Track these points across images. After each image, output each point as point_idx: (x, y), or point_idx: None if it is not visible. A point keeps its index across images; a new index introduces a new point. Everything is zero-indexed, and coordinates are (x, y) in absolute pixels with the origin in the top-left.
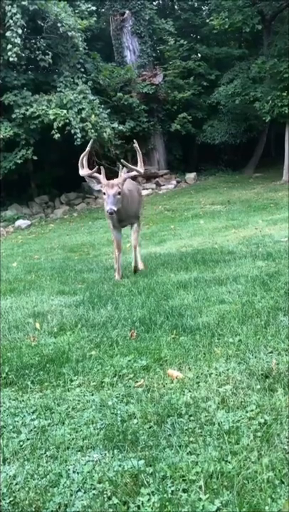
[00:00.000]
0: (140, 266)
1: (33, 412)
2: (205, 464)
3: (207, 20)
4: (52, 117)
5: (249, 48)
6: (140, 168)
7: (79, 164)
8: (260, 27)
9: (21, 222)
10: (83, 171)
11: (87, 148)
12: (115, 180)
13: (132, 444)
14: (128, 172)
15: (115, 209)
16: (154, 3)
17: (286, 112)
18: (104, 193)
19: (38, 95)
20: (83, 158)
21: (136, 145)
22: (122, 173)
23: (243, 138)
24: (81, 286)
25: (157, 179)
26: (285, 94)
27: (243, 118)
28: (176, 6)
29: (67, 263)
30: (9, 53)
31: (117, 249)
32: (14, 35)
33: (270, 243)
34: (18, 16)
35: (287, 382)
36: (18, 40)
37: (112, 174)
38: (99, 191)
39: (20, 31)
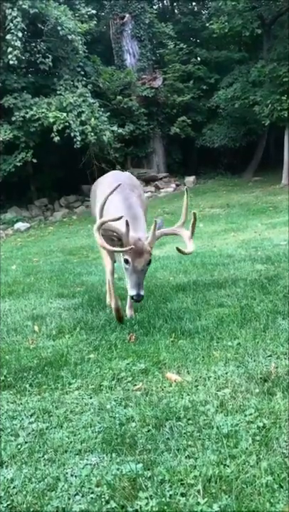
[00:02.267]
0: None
1: (31, 415)
2: (203, 468)
3: (207, 24)
4: (52, 120)
5: (249, 52)
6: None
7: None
8: (259, 31)
9: (20, 225)
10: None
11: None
12: (145, 240)
13: (130, 448)
14: (160, 228)
15: (143, 294)
16: (154, 7)
17: (285, 115)
18: (126, 260)
19: (38, 98)
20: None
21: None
22: (154, 228)
23: (242, 141)
24: (80, 289)
25: (156, 182)
26: (284, 98)
27: (242, 122)
28: (176, 10)
29: (67, 266)
30: (9, 56)
31: (110, 274)
32: (14, 38)
33: (269, 247)
34: (19, 19)
35: (286, 385)
36: (18, 43)
37: None
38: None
39: (20, 34)
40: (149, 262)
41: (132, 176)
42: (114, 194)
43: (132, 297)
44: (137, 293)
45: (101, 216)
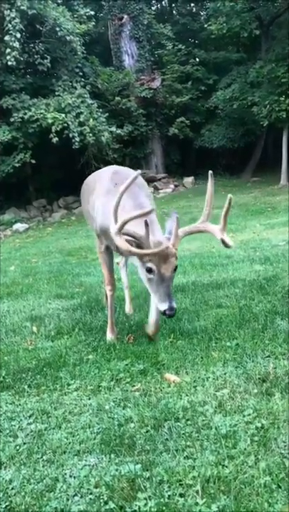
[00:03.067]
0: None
1: (29, 416)
2: (202, 469)
3: (205, 25)
4: (50, 121)
5: (247, 53)
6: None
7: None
8: (258, 32)
9: (19, 226)
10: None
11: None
12: (168, 241)
13: (128, 449)
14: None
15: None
16: (152, 8)
17: (284, 116)
18: (149, 269)
19: (37, 99)
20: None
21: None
22: (176, 227)
23: (240, 142)
24: (79, 289)
25: (155, 183)
26: (282, 99)
27: (240, 122)
28: (174, 11)
29: (65, 267)
30: (8, 57)
31: (109, 285)
32: (13, 39)
33: (268, 247)
34: (17, 20)
35: (284, 386)
36: (16, 44)
37: None
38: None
39: (18, 35)
40: (175, 268)
41: (133, 171)
42: (116, 189)
43: (163, 312)
44: (169, 306)
45: (116, 217)
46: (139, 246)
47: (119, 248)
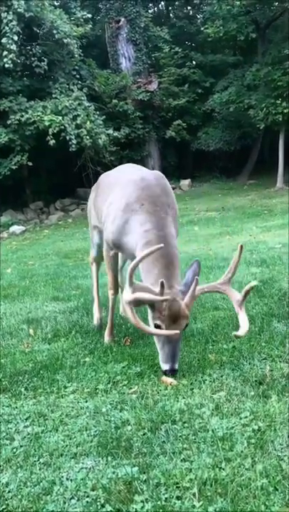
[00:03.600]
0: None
1: (26, 419)
2: (199, 471)
3: (202, 28)
4: (47, 123)
5: (244, 56)
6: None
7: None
8: (254, 35)
9: (16, 228)
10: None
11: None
12: (181, 302)
13: (125, 451)
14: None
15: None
16: (149, 11)
17: (280, 119)
18: (157, 327)
19: (34, 101)
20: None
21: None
22: (194, 288)
23: (237, 145)
24: (75, 292)
25: None
26: (279, 101)
27: (237, 125)
28: (171, 14)
29: (62, 269)
30: (5, 60)
31: (112, 289)
32: (10, 41)
33: (264, 250)
34: (14, 22)
35: (281, 388)
36: (13, 47)
37: None
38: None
39: (16, 38)
40: (185, 327)
41: (161, 179)
42: (146, 221)
43: (164, 372)
44: (170, 368)
45: (132, 280)
46: (152, 304)
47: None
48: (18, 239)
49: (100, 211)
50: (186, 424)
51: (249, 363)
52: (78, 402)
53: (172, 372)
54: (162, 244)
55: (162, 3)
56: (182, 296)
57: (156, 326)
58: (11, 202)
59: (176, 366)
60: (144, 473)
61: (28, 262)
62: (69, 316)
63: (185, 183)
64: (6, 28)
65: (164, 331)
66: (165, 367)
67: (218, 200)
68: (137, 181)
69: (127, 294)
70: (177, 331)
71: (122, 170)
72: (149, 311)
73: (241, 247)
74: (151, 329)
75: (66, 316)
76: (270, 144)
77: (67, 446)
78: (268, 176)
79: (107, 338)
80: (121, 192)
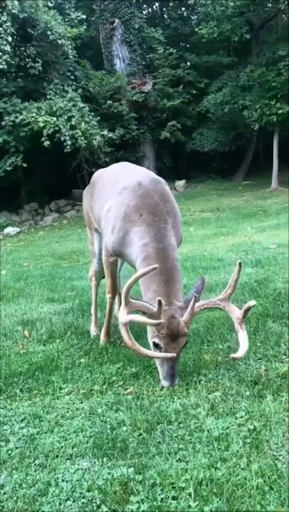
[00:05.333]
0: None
1: (21, 421)
2: (194, 471)
3: (196, 29)
4: (42, 125)
5: (238, 57)
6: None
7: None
8: (248, 36)
9: (10, 230)
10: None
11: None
12: (180, 319)
13: (121, 452)
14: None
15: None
16: (143, 12)
17: (274, 120)
18: (156, 345)
19: (28, 103)
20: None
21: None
22: (193, 305)
23: (232, 146)
24: (71, 293)
25: None
26: (273, 102)
27: (232, 126)
28: (165, 15)
29: (57, 270)
30: None
31: (111, 293)
32: (4, 42)
33: (259, 250)
34: (8, 23)
35: (276, 388)
36: (8, 48)
37: None
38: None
39: (10, 39)
40: (184, 345)
41: (158, 184)
42: (144, 234)
43: (161, 388)
44: (168, 385)
45: (128, 300)
46: (151, 316)
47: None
48: (12, 240)
49: (98, 217)
50: (181, 425)
51: (244, 363)
52: (74, 403)
53: (169, 388)
54: (156, 265)
55: (156, 4)
56: (182, 313)
57: (155, 345)
58: (6, 203)
59: (176, 382)
60: (140, 473)
61: (23, 263)
62: (64, 318)
63: (180, 183)
64: (0, 29)
65: (162, 354)
66: (165, 384)
67: (213, 200)
68: (135, 188)
69: (122, 316)
70: (174, 354)
71: (116, 171)
72: (148, 328)
73: (240, 264)
74: (148, 352)
75: (61, 317)
76: (264, 144)
77: (62, 447)
78: (263, 177)
79: (102, 338)
80: (119, 199)
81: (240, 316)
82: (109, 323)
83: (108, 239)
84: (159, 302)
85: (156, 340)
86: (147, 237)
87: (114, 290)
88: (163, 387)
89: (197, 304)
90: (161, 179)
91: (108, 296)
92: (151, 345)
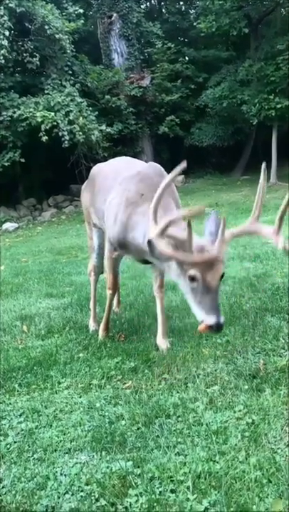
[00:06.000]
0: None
1: (20, 415)
2: (193, 465)
3: (194, 24)
4: (39, 120)
5: (236, 51)
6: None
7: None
8: (247, 30)
9: (9, 225)
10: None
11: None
12: (213, 247)
13: (119, 446)
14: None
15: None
16: (141, 6)
17: (273, 114)
18: (192, 278)
19: (26, 97)
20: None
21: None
22: (223, 228)
23: (230, 140)
24: (69, 288)
25: None
26: (271, 97)
27: (230, 121)
28: (163, 10)
29: (55, 266)
30: None
31: (112, 289)
32: (1, 37)
33: (258, 245)
34: (5, 17)
35: (274, 382)
36: (5, 42)
37: None
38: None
39: (7, 33)
40: (222, 275)
41: (157, 167)
42: (148, 211)
43: (209, 327)
44: (216, 321)
45: (156, 217)
46: (181, 245)
47: (154, 254)
48: (11, 236)
49: (99, 211)
50: (180, 419)
51: (243, 357)
52: (72, 398)
53: (218, 327)
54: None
55: None
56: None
57: (191, 278)
58: (4, 199)
59: (222, 319)
60: (139, 467)
61: (22, 259)
62: (63, 313)
63: (178, 179)
64: None
65: (207, 255)
66: (211, 320)
67: (212, 195)
68: (134, 175)
69: (153, 230)
70: (220, 262)
71: (117, 164)
72: (175, 266)
73: (264, 168)
74: (191, 256)
75: (60, 312)
76: (263, 139)
77: (61, 441)
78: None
79: (101, 333)
80: (120, 189)
81: (276, 228)
82: (109, 318)
83: (111, 230)
84: (189, 223)
85: (192, 272)
86: (146, 204)
87: (116, 286)
88: (210, 326)
89: (227, 232)
90: (159, 165)
91: (109, 292)
92: (185, 285)
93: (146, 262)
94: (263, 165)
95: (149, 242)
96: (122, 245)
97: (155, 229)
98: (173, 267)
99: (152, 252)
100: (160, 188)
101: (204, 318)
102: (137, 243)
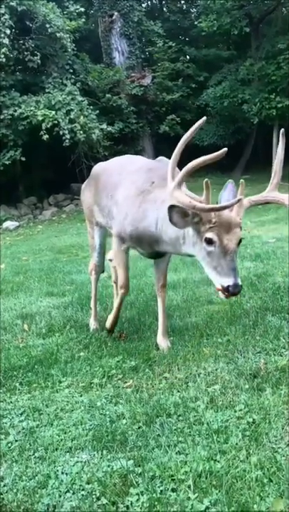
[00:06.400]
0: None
1: (21, 414)
2: (194, 464)
3: (196, 23)
4: (40, 118)
5: (237, 50)
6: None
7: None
8: (248, 29)
9: (9, 224)
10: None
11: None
12: (232, 212)
13: (120, 445)
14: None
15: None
16: (142, 5)
17: (274, 114)
18: (209, 240)
19: (27, 96)
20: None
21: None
22: (240, 191)
23: (231, 140)
24: (70, 287)
25: None
26: (272, 96)
27: (231, 120)
28: (164, 8)
29: (56, 264)
30: None
31: (124, 288)
32: (2, 35)
33: (258, 244)
34: (6, 16)
35: (275, 381)
36: (6, 41)
37: None
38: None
39: (8, 32)
40: (240, 241)
41: (164, 159)
42: (159, 195)
43: (226, 288)
44: (234, 282)
45: (174, 172)
46: (195, 214)
47: (173, 220)
48: (11, 234)
49: (105, 208)
50: (181, 418)
51: (244, 357)
52: (73, 397)
53: (236, 288)
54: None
55: None
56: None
57: (208, 240)
58: (4, 197)
59: (240, 281)
60: (140, 466)
61: (22, 257)
62: (63, 311)
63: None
64: None
65: (223, 204)
66: (227, 281)
67: (213, 195)
68: (142, 167)
69: (171, 184)
70: (238, 219)
71: (120, 161)
72: (191, 232)
73: (283, 134)
74: (210, 205)
75: (61, 311)
76: (264, 138)
77: (62, 440)
78: (262, 171)
79: (109, 326)
80: (127, 183)
81: None
82: (117, 319)
83: (123, 223)
84: (206, 183)
85: (210, 235)
86: (164, 196)
87: (128, 283)
88: (227, 288)
89: (245, 200)
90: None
91: (121, 291)
92: (202, 249)
93: (156, 255)
94: (282, 130)
95: (170, 208)
96: (135, 236)
97: (173, 182)
98: (190, 234)
99: (171, 219)
100: (180, 143)
101: (220, 279)
102: (149, 232)
